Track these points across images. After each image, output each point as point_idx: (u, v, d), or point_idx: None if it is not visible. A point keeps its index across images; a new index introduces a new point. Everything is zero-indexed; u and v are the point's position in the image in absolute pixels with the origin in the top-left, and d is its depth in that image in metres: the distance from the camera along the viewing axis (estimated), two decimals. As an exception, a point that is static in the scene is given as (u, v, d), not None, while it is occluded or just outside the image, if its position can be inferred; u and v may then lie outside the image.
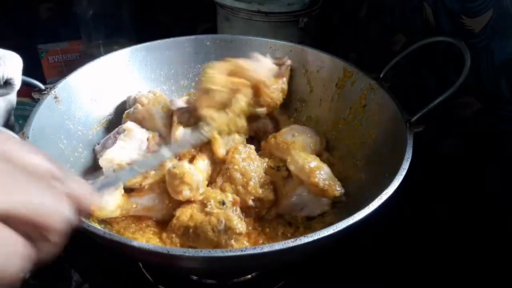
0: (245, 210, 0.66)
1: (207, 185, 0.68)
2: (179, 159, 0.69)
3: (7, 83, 0.57)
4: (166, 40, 0.87)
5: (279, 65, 0.79)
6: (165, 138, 0.75)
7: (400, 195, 0.54)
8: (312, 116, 0.87)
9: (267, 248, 0.45)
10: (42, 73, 1.21)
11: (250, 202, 0.66)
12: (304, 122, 0.88)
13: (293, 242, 0.45)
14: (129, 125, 0.73)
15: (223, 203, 0.61)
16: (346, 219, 0.49)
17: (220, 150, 0.69)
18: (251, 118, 0.74)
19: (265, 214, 0.69)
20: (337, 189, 0.65)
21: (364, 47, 1.08)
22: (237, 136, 0.73)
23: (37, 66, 1.19)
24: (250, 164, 0.68)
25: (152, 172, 0.66)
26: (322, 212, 0.68)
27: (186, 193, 0.61)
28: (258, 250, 0.45)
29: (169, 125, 0.75)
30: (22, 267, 0.27)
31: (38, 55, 1.19)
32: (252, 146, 0.72)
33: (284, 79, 0.78)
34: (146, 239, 0.63)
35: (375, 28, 1.01)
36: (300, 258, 0.65)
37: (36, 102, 0.67)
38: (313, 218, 0.69)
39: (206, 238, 0.59)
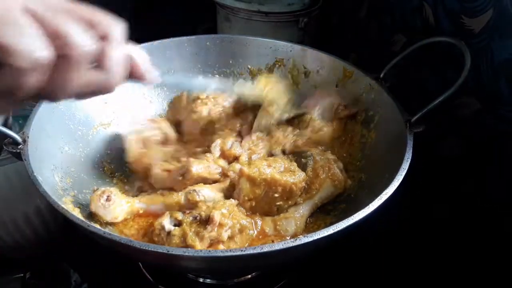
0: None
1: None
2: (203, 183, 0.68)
3: None
4: (166, 40, 0.87)
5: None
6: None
7: (400, 195, 0.54)
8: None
9: (267, 248, 0.45)
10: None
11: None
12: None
13: (293, 242, 0.45)
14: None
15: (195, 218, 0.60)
16: (346, 219, 0.49)
17: None
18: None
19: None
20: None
21: (364, 47, 1.08)
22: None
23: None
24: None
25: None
26: None
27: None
28: (258, 250, 0.45)
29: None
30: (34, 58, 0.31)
31: (38, 55, 1.18)
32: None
33: None
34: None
35: (375, 28, 1.01)
36: (301, 258, 0.65)
37: (35, 102, 0.66)
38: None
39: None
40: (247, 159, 0.73)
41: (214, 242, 0.57)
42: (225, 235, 0.57)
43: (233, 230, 0.58)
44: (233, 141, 0.74)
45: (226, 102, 0.78)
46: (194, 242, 0.56)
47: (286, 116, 0.76)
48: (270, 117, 0.75)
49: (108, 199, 0.63)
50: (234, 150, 0.73)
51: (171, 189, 0.68)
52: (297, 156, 0.74)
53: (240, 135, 0.77)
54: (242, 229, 0.60)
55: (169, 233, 0.58)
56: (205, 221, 0.58)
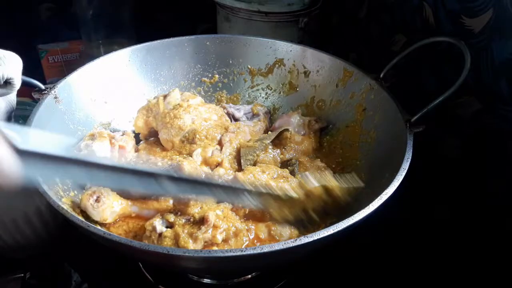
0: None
1: None
2: None
3: (7, 83, 0.57)
4: (166, 40, 0.87)
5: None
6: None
7: (400, 195, 0.54)
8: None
9: (267, 248, 0.45)
10: (42, 73, 1.21)
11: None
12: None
13: (293, 242, 0.45)
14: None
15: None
16: (346, 219, 0.49)
17: None
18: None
19: None
20: None
21: (364, 47, 1.08)
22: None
23: (37, 66, 1.19)
24: None
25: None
26: None
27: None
28: (258, 250, 0.45)
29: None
30: None
31: (38, 55, 1.18)
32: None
33: None
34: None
35: (375, 28, 1.01)
36: (301, 258, 0.65)
37: (36, 102, 0.67)
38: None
39: None
40: (229, 164, 0.73)
41: (208, 245, 0.56)
42: (219, 237, 0.56)
43: (227, 233, 0.58)
44: (213, 150, 0.75)
45: (208, 113, 0.79)
46: (187, 243, 0.55)
47: (267, 141, 0.77)
48: (253, 150, 0.75)
49: (97, 200, 0.62)
50: (215, 157, 0.74)
51: (146, 198, 0.67)
52: (283, 165, 0.74)
53: (220, 144, 0.77)
54: (237, 232, 0.59)
55: (160, 234, 0.57)
56: (199, 222, 0.57)
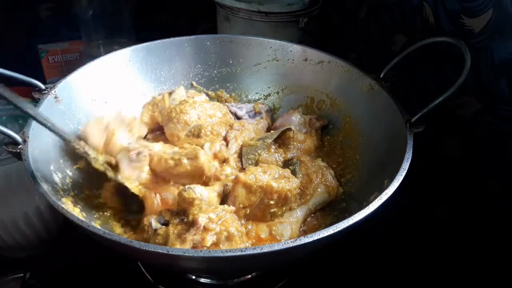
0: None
1: None
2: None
3: None
4: (166, 40, 0.87)
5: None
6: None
7: (400, 195, 0.54)
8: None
9: (267, 248, 0.45)
10: (42, 73, 1.21)
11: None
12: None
13: (293, 242, 0.45)
14: None
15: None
16: (346, 219, 0.49)
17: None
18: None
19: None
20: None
21: (364, 47, 1.08)
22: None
23: (37, 66, 1.19)
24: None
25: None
26: None
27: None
28: (258, 250, 0.45)
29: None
30: None
31: (38, 55, 1.19)
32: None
33: None
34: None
35: (375, 28, 1.01)
36: (301, 258, 0.65)
37: (36, 102, 0.67)
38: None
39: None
40: (234, 163, 0.74)
41: (197, 247, 0.55)
42: (209, 240, 0.55)
43: (218, 237, 0.56)
44: (220, 145, 0.75)
45: (213, 110, 0.79)
46: (174, 244, 0.54)
47: (269, 140, 0.76)
48: (255, 149, 0.75)
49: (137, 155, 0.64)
50: (223, 152, 0.74)
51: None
52: (284, 164, 0.74)
53: (226, 140, 0.77)
54: (229, 237, 0.57)
55: (155, 231, 0.57)
56: (191, 224, 0.56)
